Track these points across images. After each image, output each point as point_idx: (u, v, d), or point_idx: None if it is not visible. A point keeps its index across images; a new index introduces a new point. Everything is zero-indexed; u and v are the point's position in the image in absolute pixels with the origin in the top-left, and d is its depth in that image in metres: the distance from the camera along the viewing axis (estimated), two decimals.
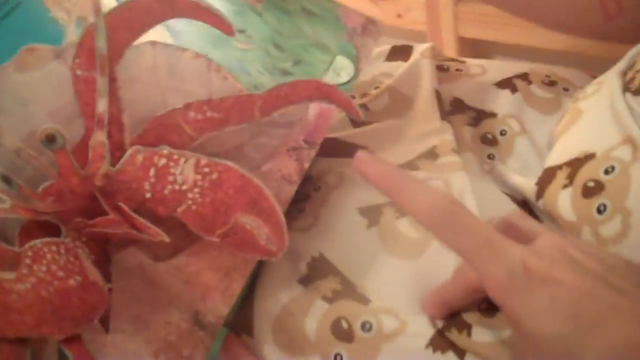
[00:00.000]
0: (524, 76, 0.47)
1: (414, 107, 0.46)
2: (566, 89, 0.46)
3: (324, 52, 0.39)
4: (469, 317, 0.32)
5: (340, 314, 0.33)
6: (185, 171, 0.32)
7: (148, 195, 0.31)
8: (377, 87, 0.49)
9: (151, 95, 0.34)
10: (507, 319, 0.27)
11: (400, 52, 0.54)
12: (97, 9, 0.32)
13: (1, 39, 0.33)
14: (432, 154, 0.42)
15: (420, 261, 0.35)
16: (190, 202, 0.31)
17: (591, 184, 0.33)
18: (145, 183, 0.31)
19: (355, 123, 0.46)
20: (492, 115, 0.45)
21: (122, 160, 0.32)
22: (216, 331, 0.32)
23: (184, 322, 0.32)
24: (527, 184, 0.38)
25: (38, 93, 0.32)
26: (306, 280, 0.36)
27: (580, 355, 0.24)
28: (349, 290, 0.35)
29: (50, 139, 0.30)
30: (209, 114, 0.33)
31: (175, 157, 0.32)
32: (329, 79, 0.39)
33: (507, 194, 0.39)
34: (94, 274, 0.31)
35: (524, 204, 0.39)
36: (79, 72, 0.32)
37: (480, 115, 0.45)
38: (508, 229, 0.29)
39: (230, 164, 0.32)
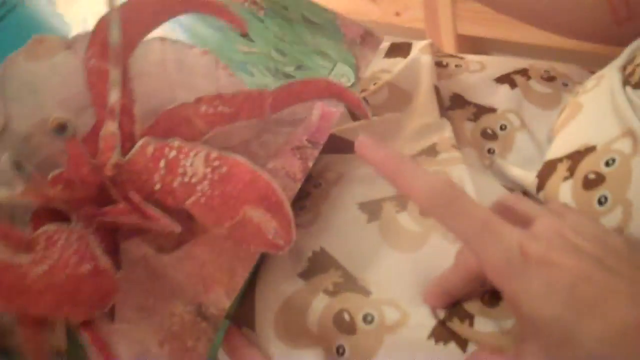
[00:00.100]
0: (523, 72, 0.47)
1: (413, 101, 0.46)
2: (565, 84, 0.46)
3: (325, 59, 0.39)
4: (471, 307, 0.32)
5: (342, 307, 0.34)
6: (195, 163, 0.32)
7: (157, 186, 0.32)
8: (376, 84, 0.49)
9: (160, 89, 0.34)
10: (507, 302, 0.27)
11: (399, 49, 0.54)
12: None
13: (8, 30, 0.33)
14: (432, 151, 0.42)
15: (421, 254, 0.35)
16: (199, 194, 0.32)
17: (592, 176, 0.33)
18: (155, 174, 0.32)
19: (355, 116, 0.46)
20: (492, 110, 0.45)
21: (133, 151, 0.32)
22: (219, 323, 0.32)
23: (188, 314, 0.32)
24: (527, 176, 0.38)
25: (48, 82, 0.32)
26: (307, 274, 0.36)
27: (577, 338, 0.24)
28: (350, 283, 0.35)
29: (61, 128, 0.30)
30: (220, 108, 0.33)
31: (186, 149, 0.32)
32: None
33: (507, 188, 0.40)
34: (105, 262, 0.31)
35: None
36: (91, 62, 0.33)
37: (480, 111, 0.45)
38: (505, 212, 0.30)
39: (240, 158, 0.32)
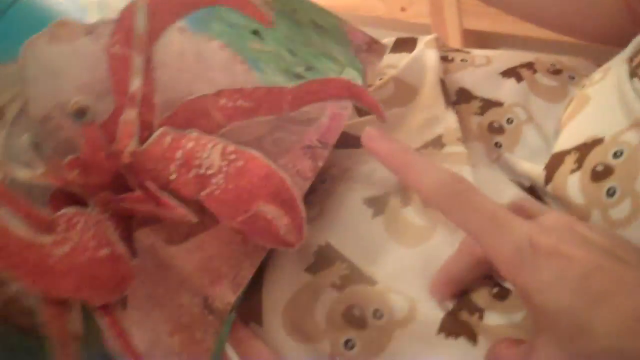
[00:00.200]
0: (529, 65, 0.47)
1: (419, 95, 0.46)
2: (572, 77, 0.46)
3: (334, 62, 0.39)
4: (481, 301, 0.32)
5: (352, 302, 0.34)
6: (212, 156, 0.32)
7: (173, 176, 0.32)
8: (382, 79, 0.49)
9: (179, 80, 0.34)
10: (518, 294, 0.27)
11: (404, 44, 0.54)
12: None
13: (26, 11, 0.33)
14: (438, 143, 0.42)
15: (426, 248, 0.35)
16: (214, 187, 0.32)
17: (600, 167, 0.33)
18: (171, 164, 0.32)
19: (361, 112, 0.46)
20: (498, 104, 0.45)
21: (150, 140, 0.32)
22: (224, 317, 0.32)
23: (195, 306, 0.32)
24: (535, 169, 0.38)
25: (68, 66, 0.32)
26: (314, 268, 0.36)
27: (588, 328, 0.24)
28: (356, 275, 0.35)
29: (81, 112, 0.30)
30: (239, 102, 0.33)
31: (203, 141, 0.32)
32: None
33: (515, 182, 0.39)
34: (121, 247, 0.31)
35: (532, 191, 0.39)
36: (114, 49, 0.32)
37: (487, 105, 0.45)
38: (516, 211, 0.30)
39: (256, 153, 0.32)
